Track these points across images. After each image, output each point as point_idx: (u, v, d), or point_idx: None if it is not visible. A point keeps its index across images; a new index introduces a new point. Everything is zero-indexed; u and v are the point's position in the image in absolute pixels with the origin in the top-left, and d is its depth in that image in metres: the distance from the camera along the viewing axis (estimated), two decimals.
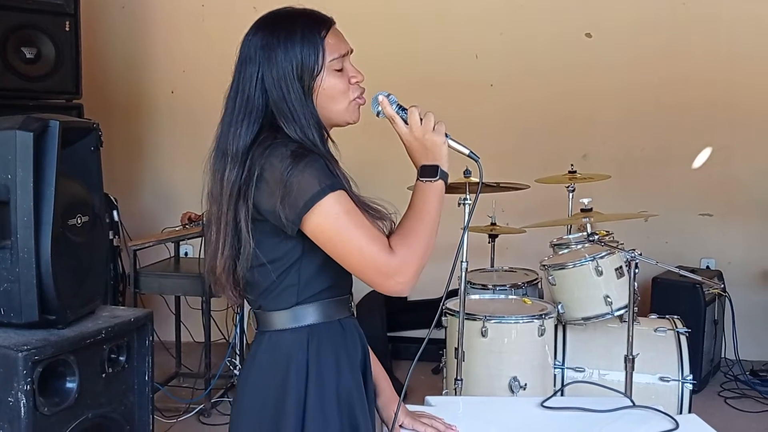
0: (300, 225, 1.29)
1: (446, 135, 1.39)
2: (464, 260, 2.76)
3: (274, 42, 1.34)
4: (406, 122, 1.38)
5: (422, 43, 4.42)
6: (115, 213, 3.54)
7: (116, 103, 4.29)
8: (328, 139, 1.42)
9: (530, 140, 4.48)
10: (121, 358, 2.21)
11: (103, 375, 2.15)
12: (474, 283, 3.22)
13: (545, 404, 1.71)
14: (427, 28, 4.44)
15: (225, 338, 3.62)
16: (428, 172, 1.37)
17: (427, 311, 4.07)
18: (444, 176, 1.37)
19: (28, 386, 1.88)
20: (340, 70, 1.37)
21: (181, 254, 3.86)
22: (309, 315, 1.39)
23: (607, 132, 4.46)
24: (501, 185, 3.13)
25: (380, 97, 1.39)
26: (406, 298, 4.68)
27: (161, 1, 4.53)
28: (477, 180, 2.82)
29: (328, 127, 1.41)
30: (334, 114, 1.39)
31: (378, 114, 1.41)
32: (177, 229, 3.55)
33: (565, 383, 2.76)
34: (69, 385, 2.04)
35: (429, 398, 1.75)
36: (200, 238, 3.41)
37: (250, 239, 1.33)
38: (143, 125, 4.45)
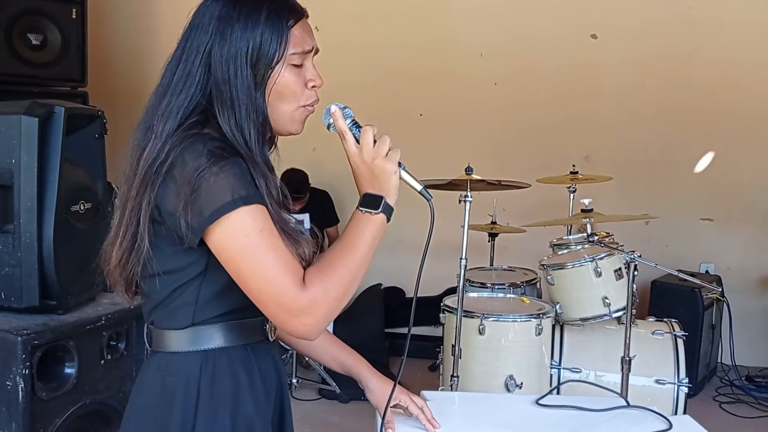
0: (202, 236, 1.11)
1: (400, 164, 1.21)
2: (464, 257, 2.77)
3: (234, 15, 1.16)
4: (357, 141, 1.21)
5: (426, 38, 4.42)
6: (116, 201, 3.55)
7: (120, 92, 4.29)
8: (270, 143, 1.25)
9: (532, 139, 4.49)
10: (120, 345, 2.22)
11: (102, 362, 2.16)
12: (472, 281, 3.23)
13: (540, 402, 1.72)
14: (431, 24, 4.45)
15: None
16: (371, 202, 1.18)
17: (425, 308, 4.07)
18: (387, 210, 1.19)
19: (27, 370, 1.90)
20: (299, 67, 1.20)
21: None
22: (208, 338, 1.20)
23: (610, 133, 4.47)
24: (502, 183, 3.13)
25: (333, 108, 1.23)
26: (404, 294, 4.71)
27: None
28: (478, 178, 2.85)
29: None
30: (278, 116, 1.21)
31: (329, 127, 1.24)
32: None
33: (562, 381, 2.77)
34: (68, 370, 2.05)
35: (425, 392, 1.76)
36: None
37: (145, 236, 1.15)
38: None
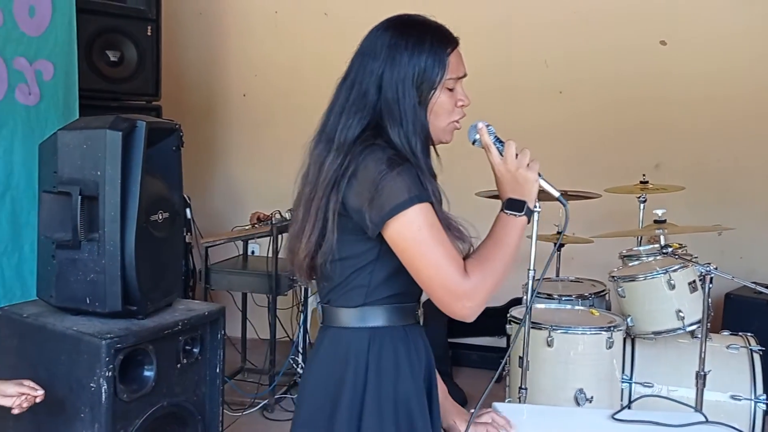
0: (381, 229, 1.31)
1: (539, 174, 1.41)
2: (532, 268, 2.74)
3: (402, 44, 1.36)
4: (501, 154, 1.40)
5: (491, 50, 4.40)
6: (188, 211, 3.66)
7: (191, 106, 4.44)
8: (431, 152, 1.43)
9: (600, 149, 4.39)
10: (195, 350, 2.30)
11: (178, 365, 2.23)
12: (539, 293, 3.18)
13: (616, 417, 1.68)
14: (496, 36, 4.42)
15: (289, 337, 3.69)
16: (515, 206, 1.38)
17: (489, 319, 4.04)
18: (529, 214, 1.38)
19: (110, 373, 1.98)
20: (451, 90, 1.40)
21: (249, 252, 3.95)
22: (374, 317, 1.40)
23: (681, 142, 4.33)
24: (569, 194, 3.09)
25: (480, 125, 1.42)
26: None
27: (236, 7, 4.66)
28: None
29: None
30: (433, 130, 1.40)
31: (474, 142, 1.43)
32: (246, 228, 3.65)
33: (635, 397, 2.70)
34: (147, 373, 2.13)
35: (496, 404, 1.75)
36: (268, 238, 3.50)
37: (334, 231, 1.35)
38: (216, 127, 4.58)
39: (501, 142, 1.42)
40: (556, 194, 1.43)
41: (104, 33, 3.60)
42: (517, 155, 1.39)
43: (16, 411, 1.81)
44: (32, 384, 1.83)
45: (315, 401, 1.44)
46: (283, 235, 3.46)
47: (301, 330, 3.58)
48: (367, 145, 1.33)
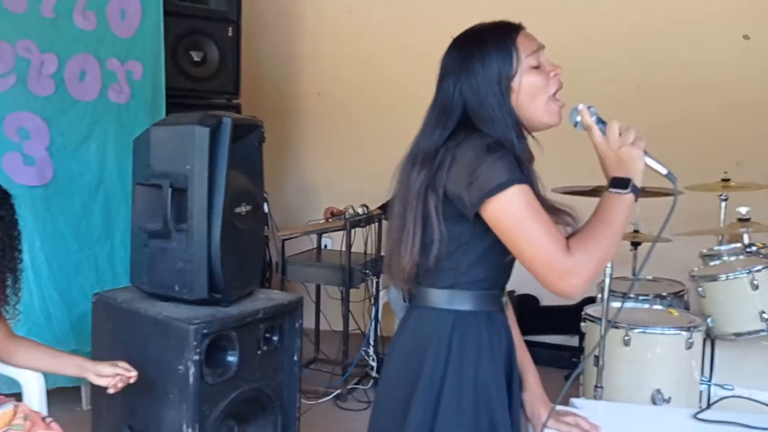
0: (479, 208, 1.32)
1: (645, 152, 1.38)
2: (608, 266, 2.70)
3: (469, 53, 1.41)
4: (603, 134, 1.39)
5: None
6: (265, 205, 3.77)
7: (268, 103, 4.56)
8: (527, 138, 1.44)
9: (680, 146, 4.25)
10: (274, 338, 2.38)
11: (259, 352, 2.32)
12: (614, 291, 3.13)
13: (699, 416, 1.65)
14: (585, 33, 4.32)
15: (360, 329, 3.76)
16: (620, 183, 1.36)
17: (560, 317, 4.01)
18: (636, 191, 1.36)
19: (197, 356, 2.08)
20: (536, 67, 1.41)
21: (321, 246, 4.04)
22: (461, 300, 1.42)
23: (763, 140, 4.16)
24: (647, 190, 3.01)
25: (581, 106, 1.42)
26: (538, 302, 4.65)
27: (311, 7, 4.76)
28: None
29: (528, 129, 1.44)
30: (534, 114, 1.41)
31: (576, 125, 1.43)
32: (320, 222, 3.74)
33: (719, 398, 2.62)
34: (230, 358, 2.23)
35: (574, 400, 1.75)
36: (341, 232, 3.57)
37: (441, 226, 1.37)
38: (291, 124, 4.70)
39: (603, 122, 1.41)
40: (664, 171, 1.40)
41: (189, 34, 3.76)
42: (620, 134, 1.37)
43: (111, 391, 1.93)
44: (126, 365, 1.95)
45: (397, 377, 1.47)
46: (356, 229, 3.53)
47: (373, 323, 3.64)
48: (464, 136, 1.36)
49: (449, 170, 1.35)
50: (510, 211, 1.31)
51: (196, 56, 3.78)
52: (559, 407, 1.65)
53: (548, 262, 1.30)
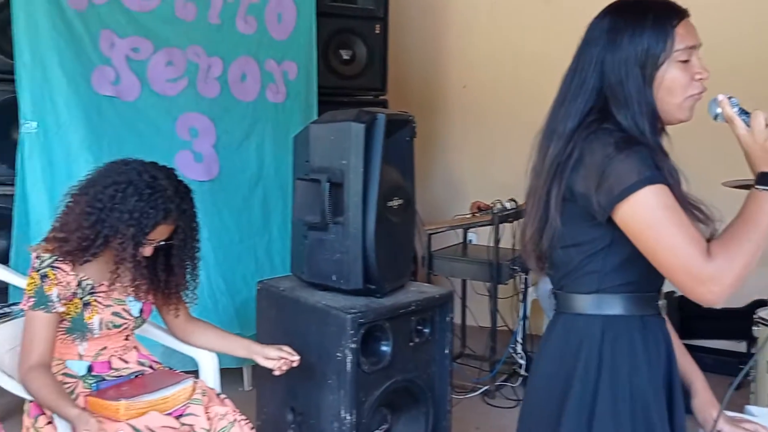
0: (611, 213, 1.26)
1: None
2: None
3: (621, 25, 1.32)
4: (747, 126, 1.29)
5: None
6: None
7: (414, 98, 4.62)
8: (662, 131, 1.36)
9: None
10: (425, 331, 2.41)
11: (411, 344, 2.37)
12: None
13: None
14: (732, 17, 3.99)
15: (507, 326, 3.71)
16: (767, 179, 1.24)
17: (728, 321, 3.72)
18: None
19: (354, 345, 2.16)
20: (685, 62, 1.31)
21: (467, 241, 4.03)
22: (609, 305, 1.35)
23: None
24: None
25: (720, 97, 1.32)
26: (700, 304, 4.34)
27: (456, 1, 4.76)
28: None
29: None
30: (668, 108, 1.33)
31: (716, 117, 1.33)
32: (467, 216, 3.73)
33: None
34: (384, 348, 2.29)
35: (750, 407, 1.62)
36: (488, 227, 3.53)
37: (557, 217, 1.33)
38: (437, 118, 4.73)
39: (746, 113, 1.29)
40: None
41: (338, 33, 3.90)
42: (767, 125, 1.26)
43: (277, 373, 2.05)
44: (290, 350, 2.06)
45: (545, 387, 1.42)
46: (504, 225, 3.48)
47: (522, 320, 3.58)
48: (593, 130, 1.29)
49: (574, 168, 1.29)
50: (642, 216, 1.23)
51: (345, 54, 3.90)
52: (734, 414, 1.54)
53: (686, 269, 1.21)
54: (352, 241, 2.23)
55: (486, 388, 3.46)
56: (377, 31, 3.97)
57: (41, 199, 3.06)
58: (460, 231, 3.89)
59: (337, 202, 2.24)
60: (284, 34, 3.55)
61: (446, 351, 2.46)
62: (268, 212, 3.56)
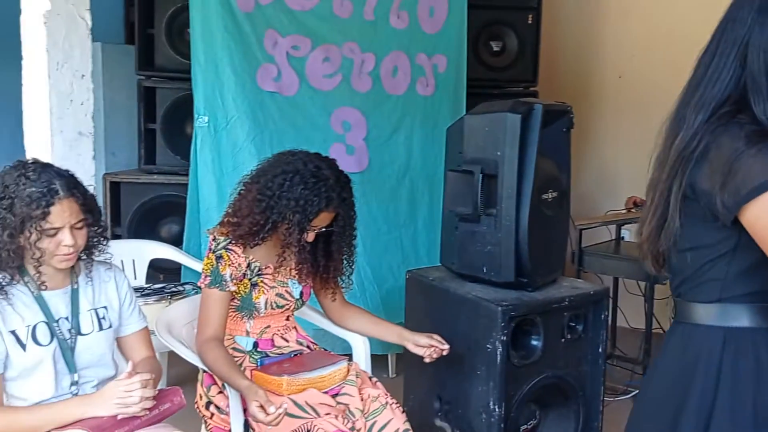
0: (737, 213, 1.14)
1: None
2: None
3: None
4: None
5: None
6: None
7: (565, 89, 4.48)
8: None
9: None
10: (578, 327, 2.35)
11: (562, 340, 2.32)
12: None
13: None
14: None
15: (662, 328, 3.52)
16: None
17: None
18: None
19: (505, 337, 2.15)
20: None
21: (620, 237, 3.86)
22: (733, 316, 1.22)
23: None
24: None
25: None
26: None
27: None
28: None
29: None
30: None
31: None
32: (621, 212, 3.57)
33: None
34: (534, 342, 2.26)
35: None
36: None
37: (677, 216, 1.22)
38: (590, 110, 4.56)
39: None
40: None
41: (489, 25, 3.88)
42: None
43: (427, 360, 2.09)
44: (440, 338, 2.10)
45: (658, 399, 1.32)
46: None
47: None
48: (724, 122, 1.17)
49: (698, 162, 1.17)
50: None
51: (495, 46, 3.88)
52: None
53: None
54: (505, 234, 2.21)
55: (638, 391, 3.30)
56: (529, 21, 3.90)
57: (211, 188, 3.32)
58: (612, 227, 3.74)
59: (490, 193, 2.23)
60: (435, 28, 3.58)
61: (600, 350, 2.39)
62: (415, 204, 3.62)
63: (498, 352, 2.14)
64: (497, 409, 2.16)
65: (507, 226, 2.21)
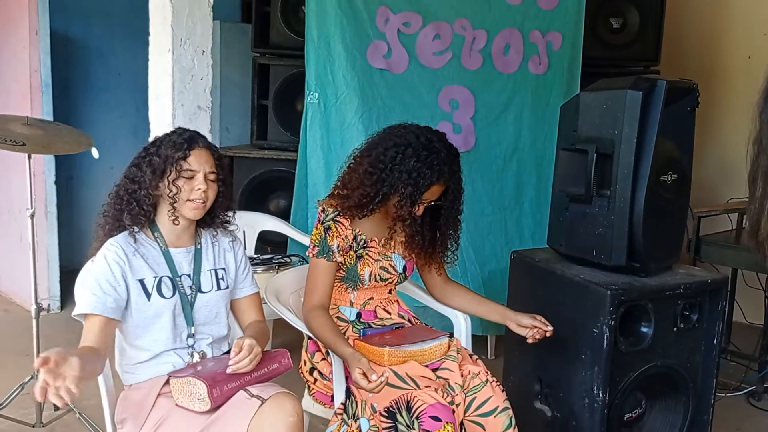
0: None
1: None
2: None
3: None
4: None
5: None
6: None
7: (689, 70, 4.22)
8: None
9: None
10: (692, 316, 2.24)
11: (674, 329, 2.22)
12: None
13: None
14: None
15: None
16: None
17: None
18: None
19: (612, 322, 2.08)
20: None
21: (743, 227, 3.63)
22: None
23: None
24: None
25: None
26: None
27: None
28: None
29: None
30: None
31: None
32: (744, 200, 3.34)
33: None
34: (644, 330, 2.17)
35: None
36: None
37: None
38: (714, 92, 4.28)
39: None
40: None
41: (610, 1, 3.70)
42: None
43: (530, 341, 2.05)
44: (544, 320, 2.05)
45: None
46: None
47: None
48: None
49: None
50: None
51: (615, 23, 3.71)
52: None
53: None
54: (618, 216, 2.13)
55: (752, 388, 3.13)
56: None
57: (318, 164, 3.39)
58: (734, 216, 3.51)
59: (604, 173, 2.15)
60: (552, 4, 3.46)
61: (714, 341, 2.26)
62: (521, 185, 3.55)
63: (605, 337, 2.08)
64: (601, 395, 2.10)
65: (621, 207, 2.12)
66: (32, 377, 2.64)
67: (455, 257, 2.21)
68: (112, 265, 1.74)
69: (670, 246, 2.30)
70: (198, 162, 1.81)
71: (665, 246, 2.26)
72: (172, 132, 1.86)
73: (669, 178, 2.20)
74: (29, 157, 2.60)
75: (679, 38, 4.26)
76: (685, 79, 2.30)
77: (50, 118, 3.76)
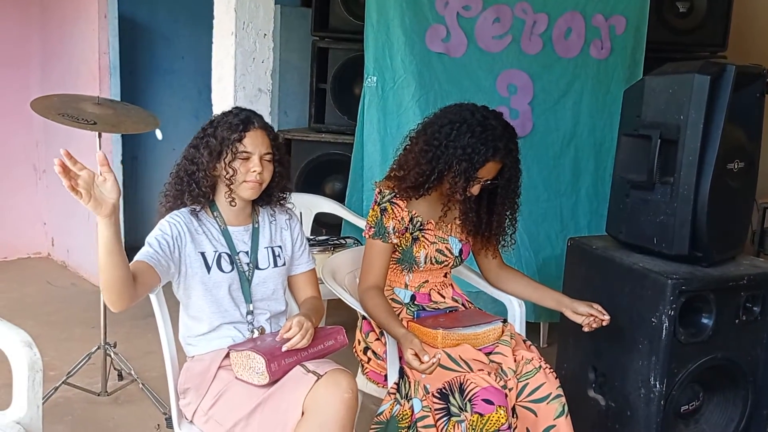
0: None
1: None
2: None
3: None
4: None
5: None
6: None
7: (757, 56, 4.06)
8: None
9: None
10: (755, 309, 2.18)
11: (736, 321, 2.16)
12: None
13: None
14: None
15: None
16: None
17: None
18: None
19: (672, 312, 2.04)
20: None
21: None
22: None
23: None
24: None
25: None
26: None
27: None
28: None
29: None
30: None
31: None
32: None
33: None
34: (704, 321, 2.12)
35: None
36: None
37: None
38: None
39: None
40: None
41: None
42: None
43: (586, 329, 2.03)
44: (600, 308, 2.02)
45: None
46: None
47: None
48: None
49: None
50: None
51: (681, 7, 3.60)
52: None
53: None
54: (681, 203, 2.08)
55: None
56: None
57: (375, 147, 3.41)
58: None
59: (668, 160, 2.10)
60: None
61: None
62: (579, 172, 3.49)
63: (664, 327, 2.04)
64: (658, 386, 2.06)
65: (684, 195, 2.07)
66: (98, 347, 2.76)
67: (512, 240, 2.19)
68: (166, 228, 1.79)
69: (734, 236, 2.23)
70: (253, 143, 1.84)
71: (729, 236, 2.19)
72: (229, 112, 1.89)
73: (736, 166, 2.13)
74: (99, 136, 2.69)
75: (747, 23, 4.10)
76: (755, 64, 2.22)
77: (118, 99, 3.89)
